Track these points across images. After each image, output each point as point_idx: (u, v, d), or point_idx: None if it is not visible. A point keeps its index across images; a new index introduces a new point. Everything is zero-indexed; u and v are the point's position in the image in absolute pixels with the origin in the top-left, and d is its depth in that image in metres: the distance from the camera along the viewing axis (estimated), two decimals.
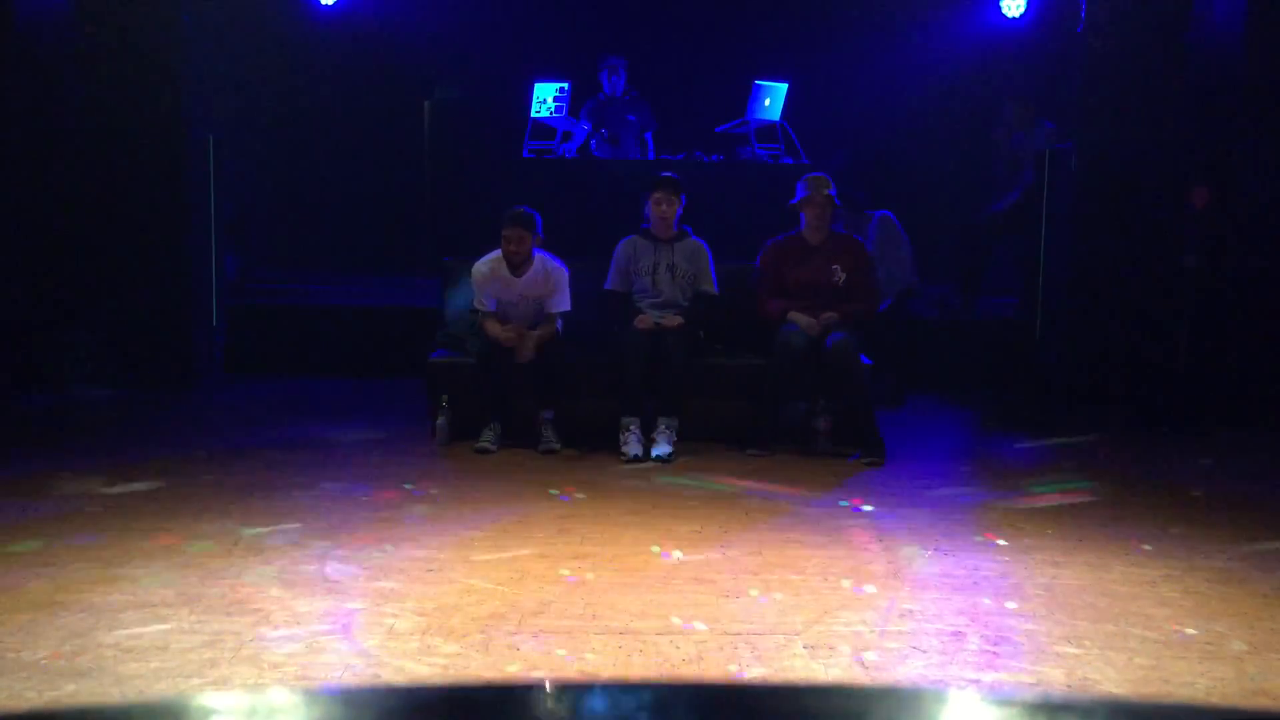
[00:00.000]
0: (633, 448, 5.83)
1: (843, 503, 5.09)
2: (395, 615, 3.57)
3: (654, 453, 5.85)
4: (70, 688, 2.99)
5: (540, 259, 6.13)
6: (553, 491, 4.42)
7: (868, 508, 4.98)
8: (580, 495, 5.13)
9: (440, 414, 6.11)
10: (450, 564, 4.09)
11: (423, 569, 4.03)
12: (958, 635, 3.50)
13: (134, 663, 3.16)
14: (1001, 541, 4.49)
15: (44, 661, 3.16)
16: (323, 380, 7.77)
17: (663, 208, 6.24)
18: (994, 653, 3.37)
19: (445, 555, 4.19)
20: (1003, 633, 3.53)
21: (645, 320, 6.14)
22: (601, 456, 5.86)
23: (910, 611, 3.70)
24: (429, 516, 4.70)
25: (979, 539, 4.52)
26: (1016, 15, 9.80)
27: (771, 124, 8.58)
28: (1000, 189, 8.43)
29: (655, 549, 4.09)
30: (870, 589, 3.91)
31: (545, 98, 8.51)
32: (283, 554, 4.14)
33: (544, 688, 0.89)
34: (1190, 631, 3.56)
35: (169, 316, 7.40)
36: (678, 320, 6.17)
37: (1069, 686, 3.14)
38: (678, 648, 3.37)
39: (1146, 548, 4.43)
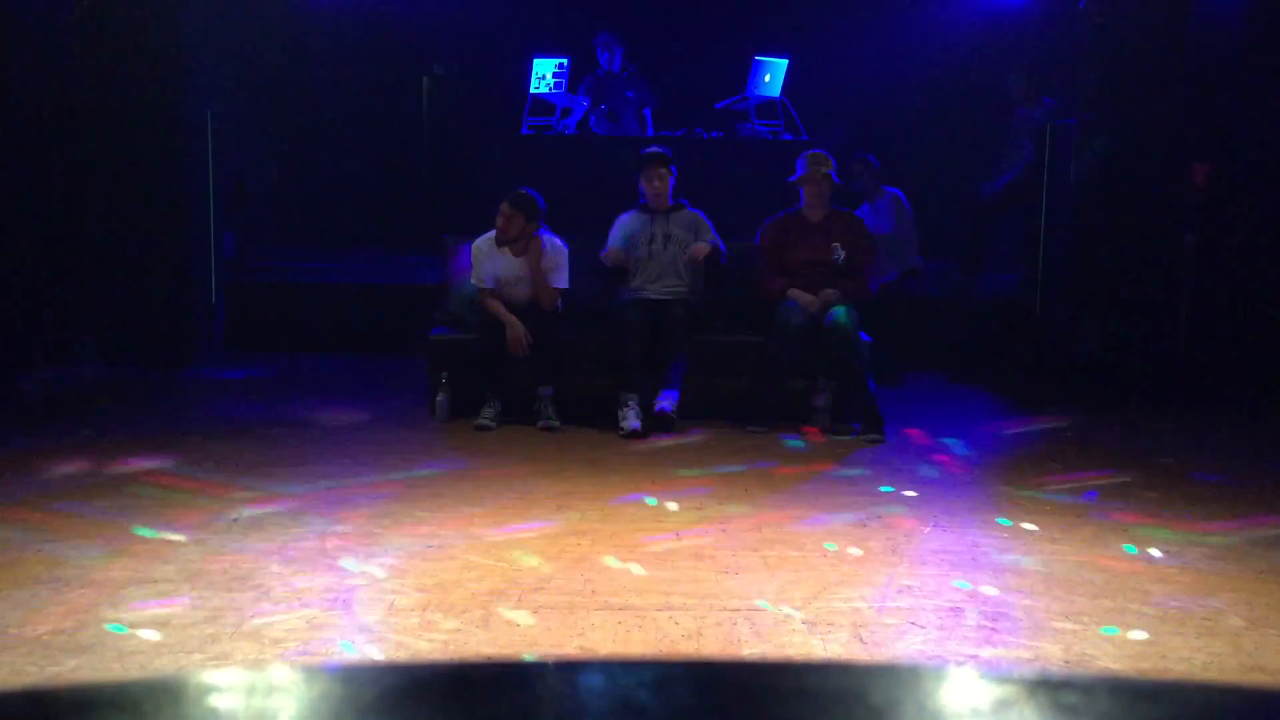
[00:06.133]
0: (631, 422, 5.83)
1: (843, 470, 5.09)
2: (396, 591, 3.57)
3: (656, 408, 5.83)
4: (71, 663, 3.00)
5: (540, 237, 6.12)
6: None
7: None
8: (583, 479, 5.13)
9: (440, 391, 6.11)
10: (450, 540, 4.10)
11: (423, 545, 4.03)
12: (956, 611, 3.51)
13: (135, 639, 3.17)
14: (1000, 518, 4.50)
15: (45, 637, 3.17)
16: (322, 357, 7.77)
17: (656, 183, 6.24)
18: (992, 628, 3.38)
19: (445, 531, 4.20)
20: (1001, 609, 3.54)
21: (613, 255, 6.17)
22: (601, 433, 5.87)
23: (909, 587, 3.71)
24: (429, 493, 4.71)
25: (977, 515, 4.53)
26: None
27: (771, 100, 8.56)
28: (1001, 165, 8.40)
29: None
30: (869, 565, 3.92)
31: (544, 73, 8.47)
32: (283, 530, 4.15)
33: (544, 664, 0.89)
34: (1188, 607, 3.58)
35: (168, 293, 7.38)
36: (704, 246, 6.14)
37: (1067, 662, 3.16)
38: (677, 624, 3.38)
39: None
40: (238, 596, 3.50)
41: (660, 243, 6.28)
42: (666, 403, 5.86)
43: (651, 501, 4.67)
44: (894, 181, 7.60)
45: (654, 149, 6.37)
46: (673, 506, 4.60)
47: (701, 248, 6.14)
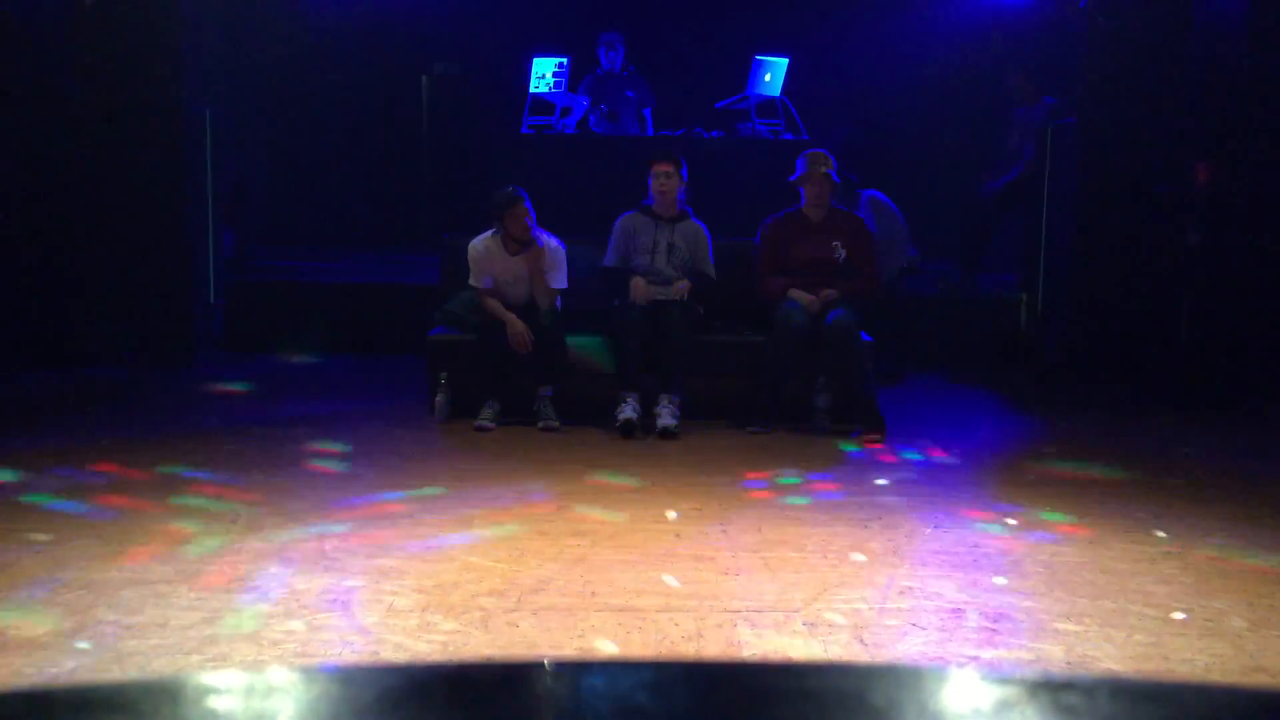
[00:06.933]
0: (626, 412, 5.81)
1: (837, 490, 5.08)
2: (395, 593, 3.57)
3: (660, 425, 5.83)
4: (71, 664, 3.00)
5: (538, 237, 6.12)
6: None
7: (880, 480, 4.99)
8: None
9: (439, 391, 6.10)
10: (450, 541, 4.09)
11: (422, 546, 4.03)
12: (957, 612, 3.50)
13: (133, 640, 3.16)
14: (1000, 519, 4.49)
15: (44, 638, 3.16)
16: (322, 357, 7.76)
17: (662, 180, 6.22)
18: (993, 630, 3.38)
19: (445, 532, 4.19)
20: (1002, 610, 3.53)
21: (640, 288, 6.11)
22: (601, 433, 5.86)
23: (909, 589, 3.71)
24: (428, 493, 4.71)
25: (978, 516, 4.53)
26: None
27: (772, 99, 8.55)
28: (1002, 164, 8.40)
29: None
30: (870, 566, 3.92)
31: (544, 73, 8.46)
32: (282, 531, 4.15)
33: (543, 666, 0.89)
34: (1189, 610, 3.57)
35: (167, 293, 7.38)
36: (684, 285, 6.16)
37: (1068, 664, 3.15)
38: (677, 625, 3.37)
39: (1153, 528, 4.43)
40: (236, 597, 3.49)
41: (664, 253, 6.27)
42: (670, 420, 5.84)
43: (650, 501, 4.66)
44: (891, 180, 7.58)
45: (665, 149, 6.41)
46: (672, 508, 4.59)
47: (683, 288, 6.16)
